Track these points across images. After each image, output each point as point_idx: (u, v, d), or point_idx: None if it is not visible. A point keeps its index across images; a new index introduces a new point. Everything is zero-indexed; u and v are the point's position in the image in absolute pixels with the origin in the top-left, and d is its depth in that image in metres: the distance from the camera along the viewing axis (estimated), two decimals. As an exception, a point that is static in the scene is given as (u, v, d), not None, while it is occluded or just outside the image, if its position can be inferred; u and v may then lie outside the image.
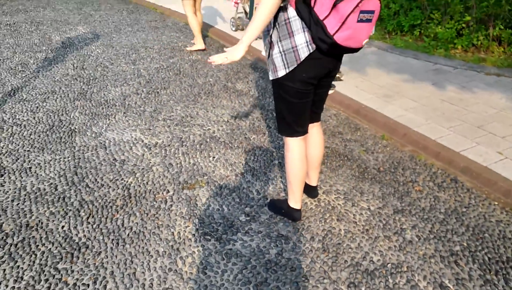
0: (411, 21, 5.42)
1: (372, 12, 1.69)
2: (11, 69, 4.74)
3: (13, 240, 2.16)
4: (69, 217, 2.35)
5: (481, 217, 2.48)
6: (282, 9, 1.80)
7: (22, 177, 2.73)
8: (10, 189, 2.60)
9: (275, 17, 1.84)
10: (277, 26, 1.85)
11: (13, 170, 2.81)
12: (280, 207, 2.42)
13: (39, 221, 2.31)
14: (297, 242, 2.20)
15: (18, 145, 3.14)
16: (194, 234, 2.24)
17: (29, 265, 2.00)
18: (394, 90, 4.17)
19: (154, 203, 2.50)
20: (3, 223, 2.28)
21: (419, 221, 2.42)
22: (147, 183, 2.71)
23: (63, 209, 2.41)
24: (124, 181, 2.72)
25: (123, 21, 7.13)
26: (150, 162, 2.96)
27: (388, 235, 2.29)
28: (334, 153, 3.15)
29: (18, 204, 2.45)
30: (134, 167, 2.89)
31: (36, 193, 2.57)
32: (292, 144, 2.12)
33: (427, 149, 3.19)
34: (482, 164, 2.91)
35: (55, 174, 2.78)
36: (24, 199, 2.50)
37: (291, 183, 2.22)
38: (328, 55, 1.84)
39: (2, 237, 2.18)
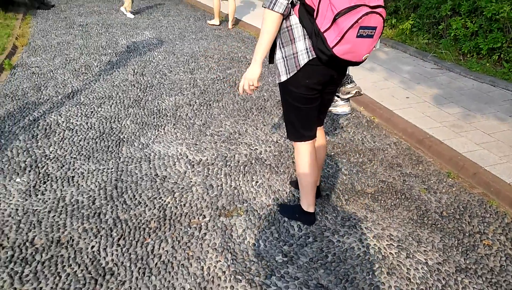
0: (490, 44, 4.91)
1: (373, 28, 1.73)
2: (75, 70, 4.89)
3: (42, 257, 2.12)
4: (101, 236, 2.28)
5: None
6: (285, 16, 1.87)
7: (63, 187, 2.72)
8: (49, 198, 2.59)
9: None
10: (280, 32, 1.93)
11: (56, 178, 2.81)
12: (293, 212, 2.46)
13: (71, 237, 2.26)
14: (337, 295, 1.95)
15: (67, 151, 3.16)
16: (224, 272, 2.07)
17: (51, 288, 1.93)
18: (466, 120, 3.75)
19: (188, 229, 2.36)
20: (35, 236, 2.25)
21: (486, 285, 2.06)
22: (184, 204, 2.58)
23: (96, 227, 2.35)
24: (162, 200, 2.62)
25: (189, 28, 7.19)
26: (191, 181, 2.83)
27: (446, 299, 1.97)
28: (390, 189, 2.84)
29: (54, 216, 2.42)
30: (174, 185, 2.78)
31: (73, 205, 2.53)
32: (301, 148, 2.18)
33: (500, 193, 2.79)
34: None
35: (96, 186, 2.74)
36: (61, 211, 2.47)
37: (303, 187, 2.28)
38: (328, 66, 1.89)
39: (32, 253, 2.14)
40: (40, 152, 3.15)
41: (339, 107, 3.92)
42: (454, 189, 2.88)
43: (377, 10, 1.71)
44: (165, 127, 3.62)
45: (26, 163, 2.99)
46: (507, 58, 4.88)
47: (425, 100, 4.18)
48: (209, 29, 7.13)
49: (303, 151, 2.18)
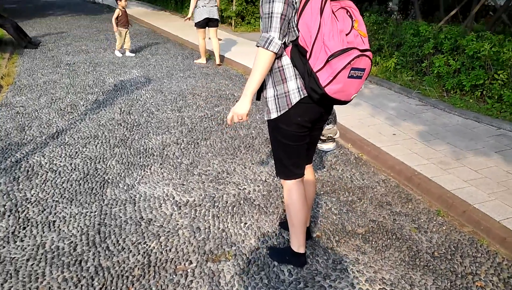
0: (472, 81, 5.02)
1: (363, 70, 1.82)
2: (61, 110, 4.84)
3: (17, 310, 2.00)
4: (82, 285, 2.17)
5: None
6: (276, 57, 1.91)
7: (44, 232, 2.62)
8: (29, 245, 2.48)
9: None
10: (272, 72, 1.97)
11: (37, 222, 2.71)
12: (283, 255, 2.40)
13: (50, 288, 2.14)
14: None
15: (49, 194, 3.07)
16: (211, 322, 1.97)
17: None
18: (452, 157, 3.77)
19: (174, 276, 2.27)
20: (12, 287, 2.14)
21: (482, 330, 2.00)
22: (170, 249, 2.49)
23: (77, 275, 2.24)
24: (147, 245, 2.52)
25: (177, 66, 7.26)
26: (178, 224, 2.75)
27: None
28: (380, 228, 2.80)
29: (32, 264, 2.31)
30: (159, 229, 2.69)
31: (53, 252, 2.42)
32: (291, 187, 2.17)
33: (490, 232, 2.76)
34: (561, 260, 2.44)
35: (78, 231, 2.64)
36: (40, 259, 2.36)
37: (294, 226, 2.23)
38: (318, 104, 1.95)
39: (6, 306, 2.02)
40: (21, 195, 3.06)
41: (324, 144, 3.93)
42: (444, 228, 2.85)
43: (366, 53, 1.81)
44: (151, 167, 3.57)
45: (5, 207, 2.89)
46: (489, 95, 4.99)
47: (411, 137, 4.22)
48: (197, 67, 7.21)
49: (292, 189, 2.17)
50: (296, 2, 1.83)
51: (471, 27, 7.01)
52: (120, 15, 7.48)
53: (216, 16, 7.02)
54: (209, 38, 7.29)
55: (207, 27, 7.09)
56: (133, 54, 7.90)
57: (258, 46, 1.85)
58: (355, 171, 3.64)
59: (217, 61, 7.36)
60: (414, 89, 5.65)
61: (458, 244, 2.68)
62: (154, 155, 3.79)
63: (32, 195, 3.05)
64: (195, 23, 7.03)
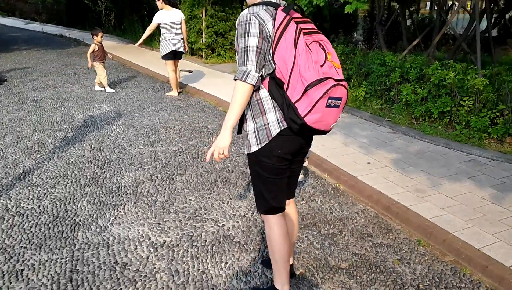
0: (440, 108, 5.19)
1: (339, 99, 1.87)
2: (27, 148, 4.65)
3: None
4: None
5: None
6: (254, 89, 1.94)
7: (11, 282, 2.43)
8: (-7, 299, 2.30)
9: None
10: (250, 105, 2.00)
11: (3, 272, 2.53)
12: None
13: None
14: None
15: (16, 240, 2.88)
16: None
17: None
18: (427, 184, 3.82)
19: (153, 325, 2.14)
20: None
21: None
22: (148, 296, 2.36)
23: (47, 331, 2.07)
24: (123, 292, 2.38)
25: (148, 99, 7.17)
26: (155, 267, 2.63)
27: None
28: (364, 262, 2.76)
29: (-3, 322, 2.13)
30: (135, 274, 2.56)
31: (21, 306, 2.25)
32: (272, 222, 2.14)
33: (471, 260, 2.77)
34: (542, 285, 2.46)
35: (48, 280, 2.47)
36: (6, 314, 2.18)
37: (277, 263, 2.19)
38: (298, 135, 1.96)
39: None
40: (-16, 243, 2.85)
41: None
42: (426, 258, 2.84)
43: (342, 82, 1.87)
44: (125, 206, 3.43)
45: (-33, 257, 2.69)
46: (457, 121, 5.16)
47: (386, 165, 4.26)
48: (168, 100, 7.14)
49: (274, 224, 2.14)
50: (270, 36, 1.86)
51: (433, 55, 7.31)
52: (96, 49, 7.37)
53: (182, 49, 7.16)
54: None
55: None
56: (113, 90, 7.73)
57: (235, 80, 1.86)
58: (333, 202, 3.62)
59: (177, 90, 7.58)
60: (384, 117, 5.78)
61: (441, 274, 2.67)
62: (127, 193, 3.66)
63: (-4, 243, 2.85)
64: (162, 56, 7.10)
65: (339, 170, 4.16)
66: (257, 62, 1.84)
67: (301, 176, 3.95)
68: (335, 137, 5.10)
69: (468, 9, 8.12)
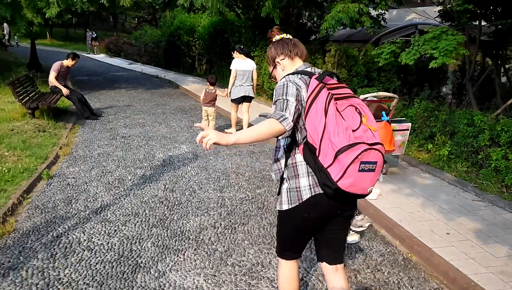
0: (536, 177, 4.65)
1: (374, 162, 1.87)
2: (109, 183, 4.98)
3: None
4: None
5: None
6: (291, 153, 2.06)
7: (68, 320, 2.54)
8: (49, 335, 2.40)
9: (286, 158, 2.10)
10: (287, 167, 2.08)
11: (63, 308, 2.65)
12: None
13: None
14: None
15: (81, 275, 3.04)
16: None
17: None
18: (516, 266, 3.36)
19: None
20: None
21: None
22: None
23: None
24: None
25: (224, 142, 7.38)
26: (204, 324, 2.58)
27: None
28: None
29: None
30: (184, 328, 2.53)
31: None
32: (283, 263, 2.25)
33: None
34: None
35: (101, 322, 2.54)
36: None
37: None
38: (335, 200, 1.96)
39: None
40: (54, 274, 3.05)
41: (349, 236, 3.68)
42: None
43: (376, 146, 1.88)
44: (185, 252, 3.47)
45: (38, 286, 2.87)
46: (556, 195, 4.55)
47: (467, 238, 3.85)
48: (243, 145, 7.29)
49: (282, 266, 2.26)
50: (303, 101, 1.96)
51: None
52: (205, 95, 7.57)
53: (252, 94, 7.65)
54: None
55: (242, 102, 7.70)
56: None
57: (271, 117, 1.89)
58: (403, 275, 3.32)
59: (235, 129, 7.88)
60: (470, 182, 5.30)
61: None
62: (189, 238, 3.71)
63: (65, 275, 3.03)
64: (232, 99, 7.65)
65: (413, 239, 3.84)
66: (294, 114, 1.88)
67: (357, 236, 3.72)
68: (412, 200, 4.76)
69: None
